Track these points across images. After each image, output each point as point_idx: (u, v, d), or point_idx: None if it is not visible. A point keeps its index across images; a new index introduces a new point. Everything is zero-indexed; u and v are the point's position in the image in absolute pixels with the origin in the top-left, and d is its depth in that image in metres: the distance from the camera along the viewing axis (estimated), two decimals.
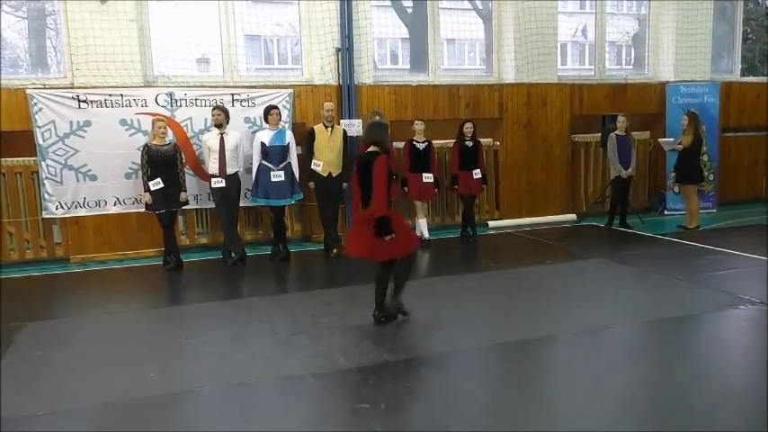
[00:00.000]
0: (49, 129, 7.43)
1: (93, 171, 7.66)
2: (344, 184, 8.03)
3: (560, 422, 3.50)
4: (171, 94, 7.84)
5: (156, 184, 7.11)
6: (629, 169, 8.99)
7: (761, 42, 12.09)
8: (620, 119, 9.10)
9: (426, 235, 8.37)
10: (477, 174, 8.43)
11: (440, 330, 5.00)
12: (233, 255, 7.52)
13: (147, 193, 7.14)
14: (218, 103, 7.68)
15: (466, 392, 3.92)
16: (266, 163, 7.47)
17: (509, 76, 9.76)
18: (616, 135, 9.08)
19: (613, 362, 4.39)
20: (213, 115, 7.34)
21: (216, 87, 8.23)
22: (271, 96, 8.16)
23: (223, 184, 7.33)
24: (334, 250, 7.85)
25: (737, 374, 4.12)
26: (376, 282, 5.22)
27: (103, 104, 7.59)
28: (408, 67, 10.12)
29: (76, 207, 7.68)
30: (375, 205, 4.90)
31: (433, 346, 4.64)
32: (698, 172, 8.96)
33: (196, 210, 8.32)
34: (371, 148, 5.09)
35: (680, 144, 8.82)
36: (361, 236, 5.08)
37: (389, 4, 9.88)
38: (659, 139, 9.61)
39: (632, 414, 3.57)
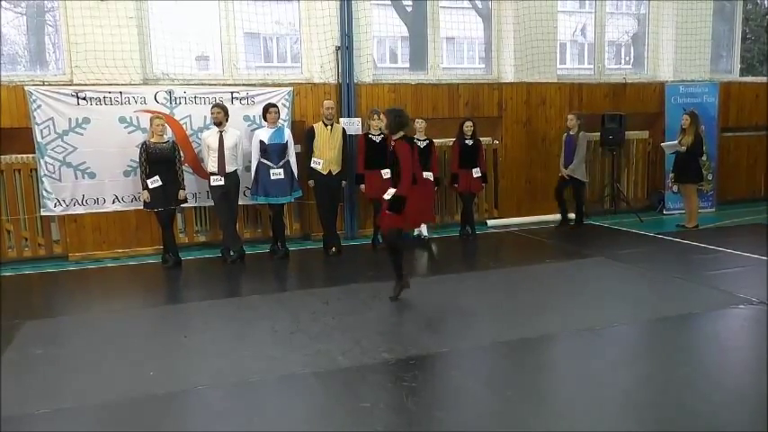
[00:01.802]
0: (48, 126, 7.41)
1: (91, 169, 7.64)
2: (344, 183, 8.03)
3: (561, 421, 3.50)
4: (170, 92, 7.83)
5: (155, 182, 7.10)
6: (568, 169, 8.93)
7: (760, 42, 12.11)
8: (570, 117, 9.05)
9: (426, 233, 8.37)
10: (476, 172, 8.45)
11: (440, 329, 5.01)
12: (232, 253, 7.52)
13: (146, 191, 7.12)
14: (218, 101, 7.67)
15: (466, 391, 3.92)
16: (265, 161, 7.46)
17: (508, 75, 9.77)
18: (566, 135, 9.09)
19: (613, 360, 4.39)
20: (213, 113, 7.32)
21: (215, 85, 8.22)
22: (270, 94, 8.15)
23: (222, 183, 7.32)
24: (333, 248, 7.85)
25: (737, 373, 4.12)
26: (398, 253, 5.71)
27: (102, 102, 7.57)
28: (408, 65, 10.11)
29: (75, 205, 7.67)
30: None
31: (434, 345, 4.63)
32: (697, 171, 8.96)
33: (195, 208, 8.32)
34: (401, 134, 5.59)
35: (682, 145, 8.81)
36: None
37: (389, 2, 9.86)
38: (662, 144, 9.52)
39: (632, 413, 3.58)
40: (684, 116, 8.94)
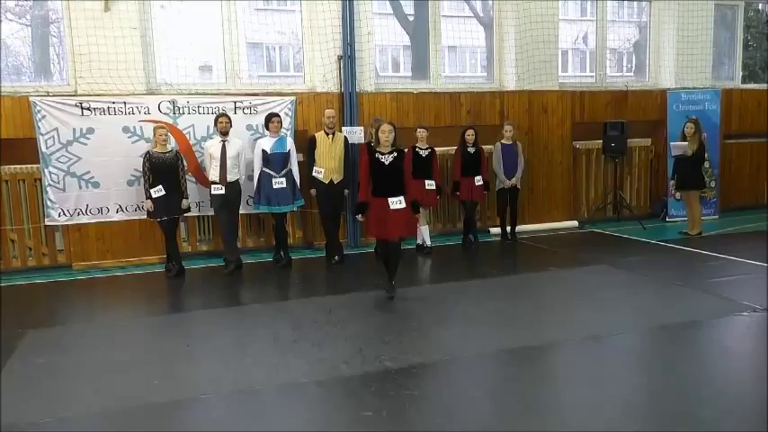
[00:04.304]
0: (52, 136, 7.46)
1: (95, 178, 7.68)
2: (346, 191, 8.05)
3: (563, 428, 3.49)
4: (173, 102, 7.87)
5: (158, 192, 7.12)
6: (513, 179, 8.79)
7: (761, 49, 12.12)
8: (507, 127, 8.85)
9: (428, 242, 8.38)
10: (478, 180, 8.45)
11: (442, 337, 5.01)
12: (229, 263, 7.51)
13: (149, 200, 7.15)
14: (221, 111, 7.69)
15: (469, 399, 3.91)
16: (268, 170, 7.48)
17: (510, 84, 9.79)
18: (501, 144, 8.84)
19: (616, 368, 4.39)
20: (221, 122, 7.33)
21: (218, 95, 8.26)
22: (273, 104, 8.19)
23: (223, 191, 7.33)
24: (336, 257, 7.86)
25: (740, 381, 4.11)
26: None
27: (106, 112, 7.62)
28: (410, 74, 10.15)
29: (79, 214, 7.70)
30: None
31: (436, 353, 4.63)
32: (700, 178, 8.96)
33: (198, 217, 8.35)
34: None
35: (689, 149, 8.79)
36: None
37: (391, 11, 9.92)
38: (671, 143, 9.34)
39: (636, 420, 3.56)
40: (689, 123, 8.92)
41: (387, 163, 5.93)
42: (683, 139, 8.91)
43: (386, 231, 5.97)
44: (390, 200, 5.90)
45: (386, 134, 5.95)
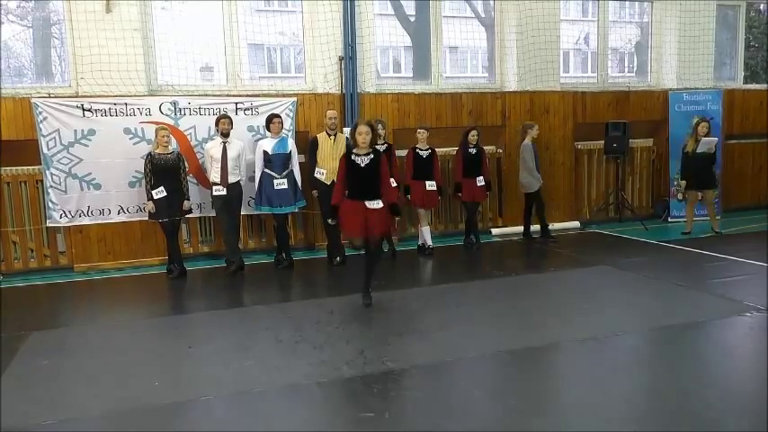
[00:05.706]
0: (54, 137, 7.47)
1: (97, 180, 7.68)
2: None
3: (565, 429, 3.48)
4: (175, 103, 7.87)
5: (160, 193, 7.13)
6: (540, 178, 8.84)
7: (763, 50, 12.10)
8: (536, 127, 8.87)
9: (429, 242, 8.37)
10: (480, 181, 8.43)
11: (444, 338, 5.00)
12: (231, 264, 7.51)
13: (151, 201, 7.15)
14: (223, 112, 7.69)
15: (471, 400, 3.90)
16: (269, 171, 7.48)
17: (511, 84, 9.79)
18: (532, 144, 8.82)
19: (618, 369, 4.37)
20: (222, 124, 7.34)
21: (219, 96, 8.26)
22: (274, 105, 8.19)
23: (224, 192, 7.34)
24: (338, 258, 7.85)
25: (743, 381, 4.10)
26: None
27: (108, 113, 7.62)
28: (411, 75, 10.15)
29: (80, 216, 7.70)
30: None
31: (438, 354, 4.62)
32: (714, 177, 9.00)
33: (200, 218, 8.35)
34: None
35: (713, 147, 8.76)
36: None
37: (392, 12, 9.92)
38: (703, 138, 8.91)
39: (637, 421, 3.55)
40: (702, 123, 8.84)
41: (363, 165, 5.80)
42: (694, 137, 8.84)
43: (365, 229, 5.81)
44: (367, 203, 5.80)
45: (363, 136, 5.77)
